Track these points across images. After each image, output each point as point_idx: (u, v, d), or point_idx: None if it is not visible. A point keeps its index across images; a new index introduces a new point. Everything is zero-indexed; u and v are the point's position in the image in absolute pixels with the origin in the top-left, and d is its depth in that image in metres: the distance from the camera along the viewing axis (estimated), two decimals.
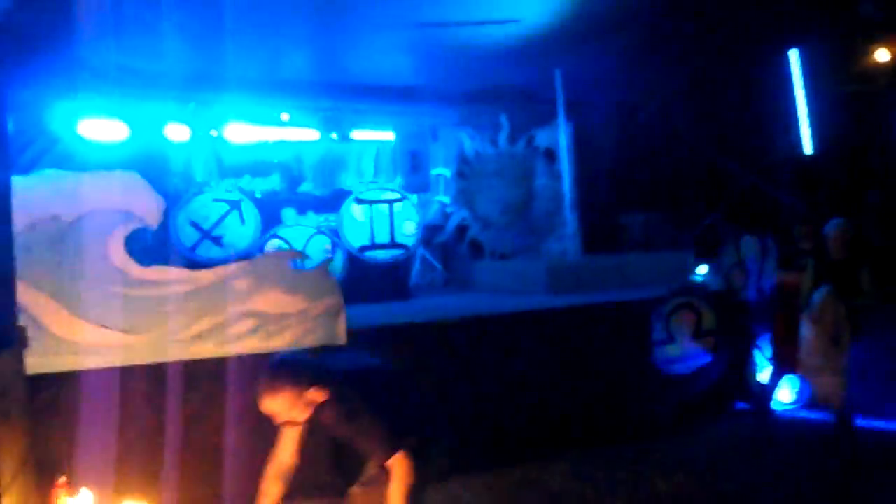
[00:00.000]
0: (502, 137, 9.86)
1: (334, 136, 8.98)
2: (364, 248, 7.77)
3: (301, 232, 7.68)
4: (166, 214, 5.14)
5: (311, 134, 8.92)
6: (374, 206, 7.85)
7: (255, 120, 8.62)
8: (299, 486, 3.51)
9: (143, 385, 4.61)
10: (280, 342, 4.93)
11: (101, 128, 7.57)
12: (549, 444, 5.80)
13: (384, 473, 3.17)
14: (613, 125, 10.11)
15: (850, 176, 9.06)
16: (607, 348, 6.32)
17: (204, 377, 4.75)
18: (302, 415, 3.17)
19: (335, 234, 7.76)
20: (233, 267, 4.96)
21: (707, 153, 9.52)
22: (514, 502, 5.03)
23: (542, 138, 9.77)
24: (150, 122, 7.95)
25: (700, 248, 8.35)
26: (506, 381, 5.82)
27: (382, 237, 7.83)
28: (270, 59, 7.87)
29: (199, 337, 4.75)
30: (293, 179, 9.02)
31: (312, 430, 3.30)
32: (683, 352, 6.68)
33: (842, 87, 8.92)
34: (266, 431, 3.36)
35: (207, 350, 4.77)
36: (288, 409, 3.12)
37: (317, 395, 3.13)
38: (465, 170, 9.87)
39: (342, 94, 8.83)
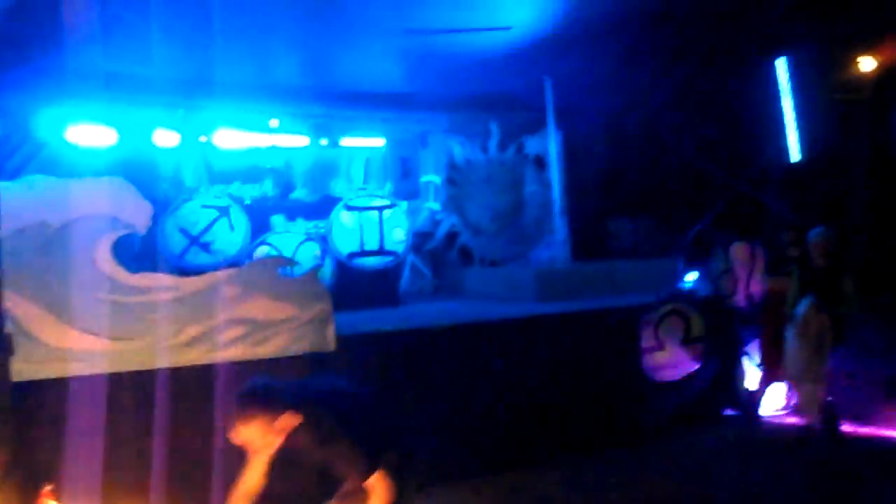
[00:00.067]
0: (492, 144, 9.87)
1: (324, 142, 8.96)
2: (353, 255, 7.76)
3: (290, 238, 7.66)
4: (154, 221, 5.12)
5: (300, 140, 8.90)
6: (364, 212, 7.85)
7: (245, 126, 8.59)
8: (276, 499, 3.47)
9: (131, 392, 4.58)
10: (269, 349, 4.92)
11: (89, 133, 7.52)
12: (538, 451, 5.81)
13: (363, 490, 3.14)
14: (603, 132, 10.14)
15: (838, 183, 9.12)
16: (597, 355, 6.33)
17: (192, 384, 4.72)
18: (275, 442, 3.12)
19: (324, 241, 7.75)
20: (222, 274, 4.95)
21: (696, 160, 9.56)
22: None
23: (531, 145, 9.79)
24: (139, 127, 7.90)
25: (689, 255, 8.38)
26: (495, 387, 5.81)
27: (372, 244, 7.82)
28: (260, 64, 7.85)
29: (188, 344, 4.73)
30: (285, 185, 9.00)
31: (287, 454, 3.24)
32: (672, 358, 6.69)
33: (829, 95, 8.98)
34: None
35: (196, 357, 4.75)
36: (261, 436, 3.08)
37: (289, 420, 3.08)
38: (455, 177, 9.87)
39: (332, 101, 8.81)
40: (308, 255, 7.53)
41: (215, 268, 5.25)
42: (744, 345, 7.18)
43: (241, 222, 7.53)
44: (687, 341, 6.80)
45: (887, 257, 8.21)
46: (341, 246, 7.73)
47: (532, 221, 9.83)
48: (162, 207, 6.94)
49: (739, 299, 7.29)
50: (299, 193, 9.11)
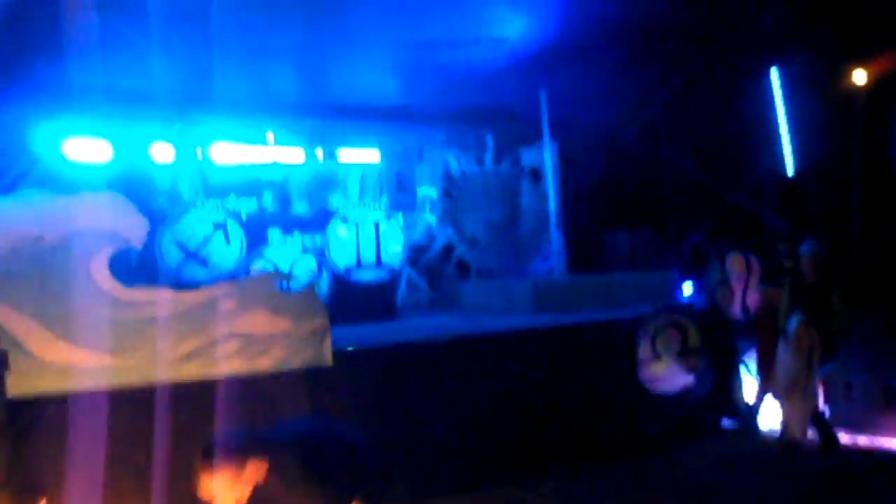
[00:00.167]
0: (488, 157, 9.90)
1: (320, 154, 8.97)
2: (350, 269, 7.76)
3: (287, 252, 7.66)
4: (151, 235, 5.12)
5: (296, 154, 8.91)
6: (360, 226, 7.85)
7: (241, 140, 8.60)
8: None
9: (127, 407, 4.56)
10: (266, 363, 4.90)
11: (86, 148, 7.52)
12: (535, 463, 5.78)
13: None
14: (598, 144, 10.17)
15: (832, 193, 9.16)
16: (594, 367, 6.32)
17: (189, 399, 4.70)
18: (243, 493, 3.02)
19: (321, 255, 7.75)
20: (218, 288, 4.94)
21: (690, 171, 9.60)
22: None
23: (527, 158, 9.82)
24: (135, 142, 7.90)
25: (685, 266, 8.40)
26: (492, 399, 5.80)
27: (368, 257, 7.82)
28: (256, 79, 7.87)
29: (184, 358, 4.71)
30: (282, 199, 9.00)
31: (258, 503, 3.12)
32: (669, 370, 6.69)
33: (823, 107, 9.03)
34: None
35: (193, 371, 4.73)
36: (229, 488, 2.99)
37: (256, 468, 3.01)
38: (451, 189, 9.89)
39: (328, 115, 8.84)
40: (304, 268, 7.53)
41: (212, 282, 5.24)
42: (741, 356, 7.18)
43: (237, 236, 7.53)
44: (684, 353, 6.79)
45: (883, 267, 8.23)
46: (338, 259, 7.74)
47: (528, 234, 9.85)
48: (158, 222, 6.93)
49: (736, 310, 7.29)
50: (296, 207, 9.12)
